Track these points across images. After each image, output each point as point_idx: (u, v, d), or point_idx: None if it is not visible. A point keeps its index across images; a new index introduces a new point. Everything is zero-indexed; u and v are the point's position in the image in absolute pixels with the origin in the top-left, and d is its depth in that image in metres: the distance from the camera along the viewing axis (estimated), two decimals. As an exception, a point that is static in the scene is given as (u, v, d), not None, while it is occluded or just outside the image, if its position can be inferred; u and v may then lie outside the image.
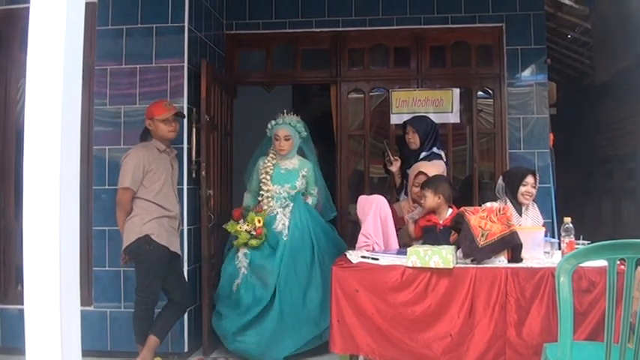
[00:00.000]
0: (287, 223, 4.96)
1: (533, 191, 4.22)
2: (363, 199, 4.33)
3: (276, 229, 4.96)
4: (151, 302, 4.40)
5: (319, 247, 4.93)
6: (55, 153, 2.46)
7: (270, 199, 5.03)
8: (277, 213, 5.01)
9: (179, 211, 4.62)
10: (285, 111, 5.17)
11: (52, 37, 2.50)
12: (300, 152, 5.29)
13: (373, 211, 4.13)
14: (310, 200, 5.15)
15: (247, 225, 4.86)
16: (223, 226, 5.06)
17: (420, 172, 4.51)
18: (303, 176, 5.08)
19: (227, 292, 4.94)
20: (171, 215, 4.47)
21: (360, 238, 4.12)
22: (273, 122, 5.10)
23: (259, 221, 4.85)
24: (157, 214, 4.38)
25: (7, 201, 5.33)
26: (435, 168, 4.58)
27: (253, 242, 4.85)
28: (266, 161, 5.12)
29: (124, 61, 5.03)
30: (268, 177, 5.03)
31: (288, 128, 5.03)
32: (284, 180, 5.04)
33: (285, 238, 4.92)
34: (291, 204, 5.04)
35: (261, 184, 5.08)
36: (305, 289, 4.80)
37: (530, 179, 4.20)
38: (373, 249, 4.01)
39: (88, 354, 4.07)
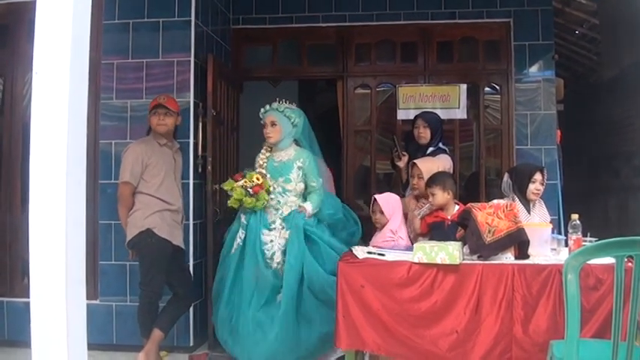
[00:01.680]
0: (277, 246, 4.43)
1: (542, 188, 4.20)
2: (391, 196, 4.43)
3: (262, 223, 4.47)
4: (155, 296, 4.42)
5: (311, 284, 4.29)
6: (62, 147, 2.46)
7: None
8: (270, 214, 4.51)
9: (182, 205, 4.62)
10: (277, 99, 4.71)
11: (59, 32, 2.50)
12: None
13: (400, 209, 4.33)
14: (312, 202, 4.48)
15: (245, 182, 4.43)
16: (221, 185, 4.72)
17: (414, 164, 4.52)
18: (299, 167, 4.52)
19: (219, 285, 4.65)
20: (173, 209, 4.48)
21: (386, 233, 4.21)
22: (262, 110, 4.68)
23: (258, 179, 4.42)
24: (159, 207, 4.39)
25: (13, 195, 5.34)
26: (432, 163, 4.57)
27: (248, 200, 4.39)
28: (260, 154, 4.69)
29: (131, 56, 5.03)
30: (264, 171, 4.55)
31: (275, 114, 4.56)
32: (277, 173, 4.54)
33: (274, 261, 4.41)
34: (285, 224, 4.46)
35: None
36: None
37: (538, 176, 4.17)
38: (397, 243, 4.11)
39: (94, 348, 4.06)
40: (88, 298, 2.77)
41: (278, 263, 4.42)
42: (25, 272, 5.08)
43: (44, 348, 2.49)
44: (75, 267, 2.52)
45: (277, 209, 4.52)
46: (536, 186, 4.16)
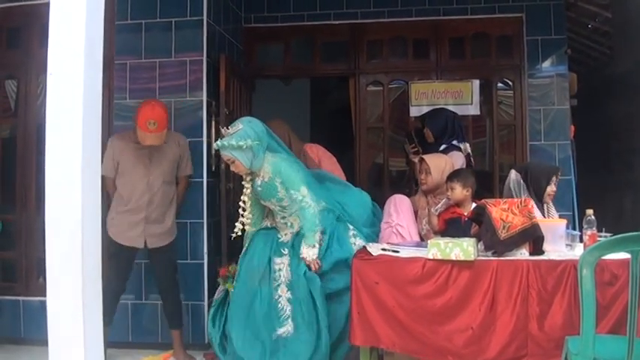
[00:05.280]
0: (283, 278, 4.06)
1: (555, 189, 4.17)
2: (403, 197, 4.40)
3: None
4: (112, 294, 4.39)
5: None
6: (77, 147, 2.48)
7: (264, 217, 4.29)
8: (282, 229, 4.21)
9: (164, 201, 4.58)
10: (222, 128, 4.13)
11: (73, 33, 2.52)
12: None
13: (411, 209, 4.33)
14: (307, 238, 4.01)
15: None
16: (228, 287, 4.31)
17: (422, 159, 4.49)
18: (281, 184, 4.03)
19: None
20: (134, 207, 4.50)
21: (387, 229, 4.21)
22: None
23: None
24: (121, 208, 4.51)
25: (28, 194, 5.37)
26: (439, 159, 4.53)
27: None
28: (243, 183, 4.18)
29: (144, 56, 5.06)
30: (245, 205, 4.15)
31: (225, 152, 4.00)
32: (266, 195, 4.10)
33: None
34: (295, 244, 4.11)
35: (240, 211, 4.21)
36: None
37: (554, 178, 4.14)
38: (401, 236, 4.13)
39: (110, 345, 4.12)
40: (104, 297, 2.79)
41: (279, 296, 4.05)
42: (41, 271, 5.11)
43: (61, 346, 2.51)
44: (91, 266, 2.54)
45: (285, 224, 4.17)
46: (552, 187, 4.12)
